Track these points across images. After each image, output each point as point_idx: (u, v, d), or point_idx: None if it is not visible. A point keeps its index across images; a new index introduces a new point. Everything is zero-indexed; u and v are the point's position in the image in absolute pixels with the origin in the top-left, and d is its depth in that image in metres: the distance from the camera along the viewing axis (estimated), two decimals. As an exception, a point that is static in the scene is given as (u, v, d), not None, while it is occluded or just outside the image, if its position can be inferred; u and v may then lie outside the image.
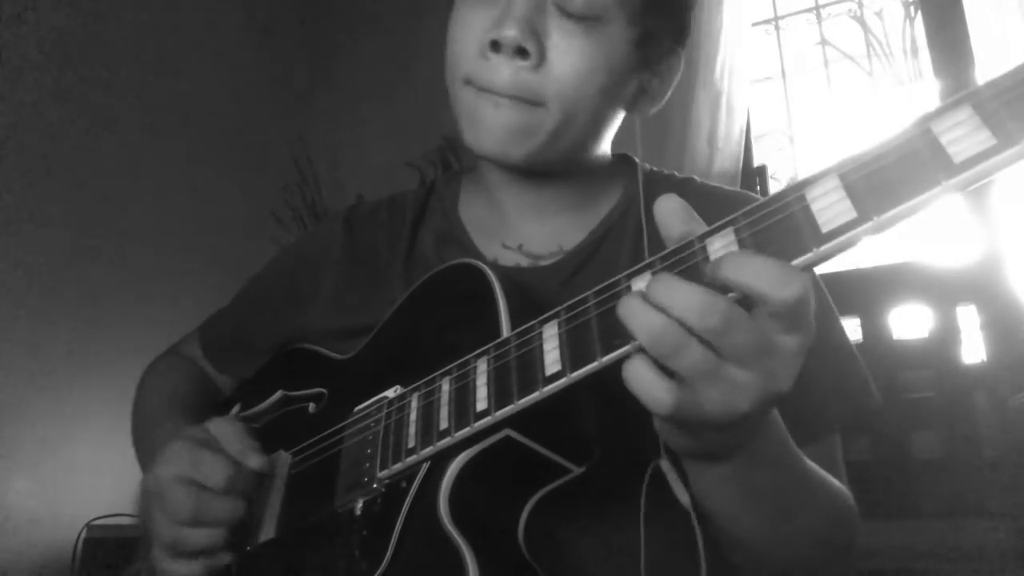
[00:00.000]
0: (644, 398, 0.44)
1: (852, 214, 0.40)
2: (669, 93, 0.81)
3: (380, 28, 2.65)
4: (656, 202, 0.48)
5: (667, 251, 0.47)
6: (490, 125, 0.71)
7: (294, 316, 0.90)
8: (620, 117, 0.80)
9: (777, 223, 0.43)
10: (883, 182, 0.39)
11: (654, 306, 0.42)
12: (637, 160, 0.86)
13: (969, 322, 1.82)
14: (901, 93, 2.30)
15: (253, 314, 0.96)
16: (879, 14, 2.38)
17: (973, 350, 1.81)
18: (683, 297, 0.42)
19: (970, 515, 1.60)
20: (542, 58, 0.68)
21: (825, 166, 0.42)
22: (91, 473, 1.89)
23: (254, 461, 0.70)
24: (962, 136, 0.37)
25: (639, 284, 0.47)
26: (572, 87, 0.69)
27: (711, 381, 0.44)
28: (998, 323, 1.78)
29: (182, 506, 0.66)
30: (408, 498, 0.60)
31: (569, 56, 0.69)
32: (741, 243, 0.44)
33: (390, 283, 0.83)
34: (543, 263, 0.79)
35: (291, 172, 2.32)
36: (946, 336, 1.82)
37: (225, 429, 0.71)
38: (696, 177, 0.86)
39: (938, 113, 0.38)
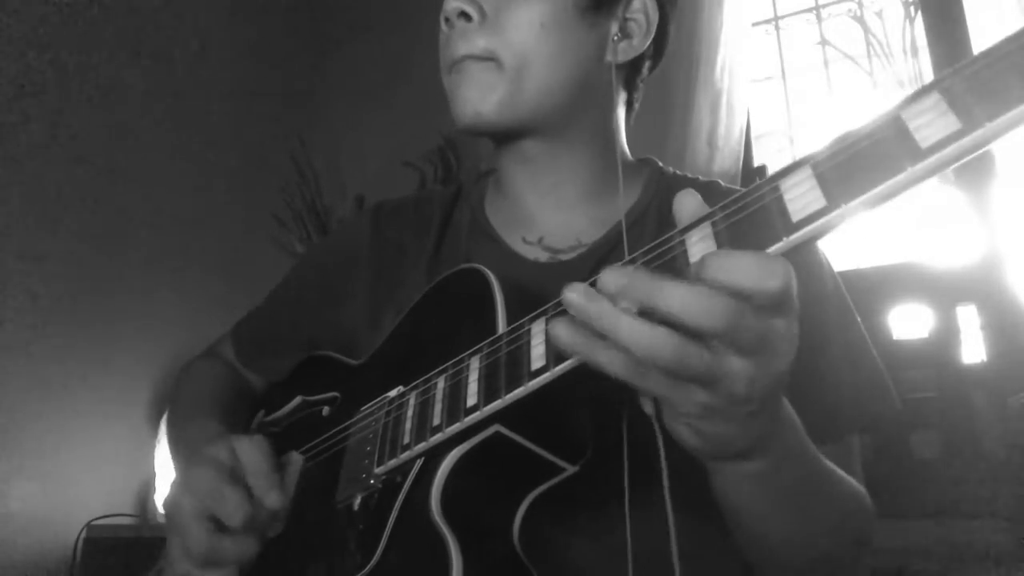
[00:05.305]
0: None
1: (822, 202, 0.40)
2: (649, 39, 0.81)
3: (380, 28, 2.65)
4: (676, 197, 0.48)
5: (647, 247, 0.48)
6: (459, 92, 0.77)
7: (327, 313, 0.91)
8: (598, 67, 0.79)
9: (751, 215, 0.43)
10: (852, 170, 0.40)
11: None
12: (659, 163, 0.88)
13: (969, 322, 1.82)
14: (901, 93, 2.30)
15: (286, 313, 0.97)
16: (879, 14, 2.38)
17: (973, 350, 1.81)
18: (680, 300, 0.41)
19: (970, 515, 1.60)
20: (483, 14, 0.75)
21: (801, 156, 0.43)
22: (91, 473, 1.89)
23: (274, 501, 0.67)
24: (929, 122, 0.37)
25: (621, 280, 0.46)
26: (514, 33, 0.74)
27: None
28: (998, 323, 1.78)
29: (198, 545, 0.65)
30: (402, 493, 0.62)
31: (505, 4, 0.75)
32: (717, 235, 0.44)
33: (417, 279, 0.84)
34: (562, 257, 0.80)
35: (291, 172, 2.32)
36: (946, 336, 1.82)
37: (252, 457, 0.69)
38: (721, 181, 0.86)
39: (908, 101, 0.39)
